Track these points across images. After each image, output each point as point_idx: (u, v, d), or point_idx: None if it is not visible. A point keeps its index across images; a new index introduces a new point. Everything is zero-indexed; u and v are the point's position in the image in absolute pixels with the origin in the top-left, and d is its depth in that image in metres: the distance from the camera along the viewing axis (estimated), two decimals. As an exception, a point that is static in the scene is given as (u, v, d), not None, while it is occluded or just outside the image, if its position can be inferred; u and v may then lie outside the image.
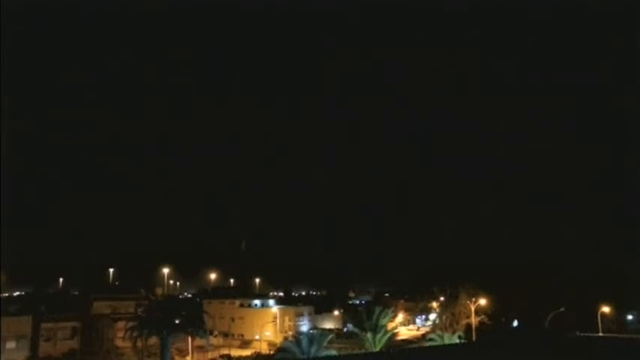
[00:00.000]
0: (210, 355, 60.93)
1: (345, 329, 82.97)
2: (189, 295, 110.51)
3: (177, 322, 42.70)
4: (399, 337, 67.55)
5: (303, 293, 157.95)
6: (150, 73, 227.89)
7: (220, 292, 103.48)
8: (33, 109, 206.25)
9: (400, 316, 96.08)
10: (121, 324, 54.58)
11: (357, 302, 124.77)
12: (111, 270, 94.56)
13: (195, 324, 43.57)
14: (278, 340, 71.25)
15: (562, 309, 65.87)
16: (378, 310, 47.12)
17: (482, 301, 67.15)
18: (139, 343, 43.71)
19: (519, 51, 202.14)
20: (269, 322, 77.18)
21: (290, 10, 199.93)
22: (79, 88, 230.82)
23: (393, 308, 59.09)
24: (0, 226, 75.56)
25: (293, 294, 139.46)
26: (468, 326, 66.41)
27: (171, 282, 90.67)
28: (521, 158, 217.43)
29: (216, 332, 74.81)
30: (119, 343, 57.07)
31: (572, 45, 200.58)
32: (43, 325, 57.66)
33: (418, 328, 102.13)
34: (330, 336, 43.96)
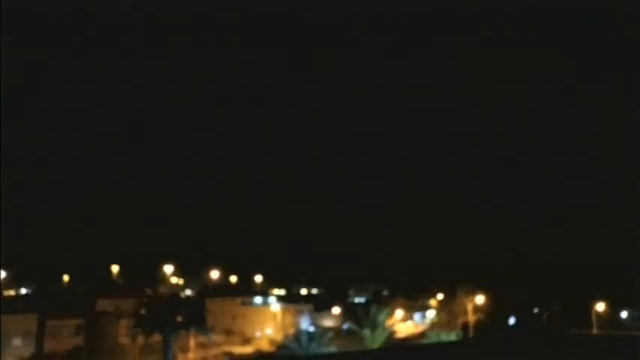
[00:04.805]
0: (211, 352, 61.81)
1: (344, 327, 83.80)
2: (191, 293, 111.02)
3: (179, 319, 43.62)
4: (398, 335, 68.34)
5: (304, 291, 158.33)
6: (150, 72, 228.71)
7: (222, 290, 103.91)
8: (33, 108, 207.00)
9: (398, 314, 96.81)
10: (124, 321, 55.56)
11: (357, 300, 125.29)
12: (115, 267, 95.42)
13: (198, 322, 44.50)
14: (279, 337, 72.05)
15: (558, 307, 66.80)
16: (376, 308, 48.10)
17: (480, 299, 67.98)
18: (142, 341, 44.59)
19: (520, 50, 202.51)
20: (270, 320, 77.96)
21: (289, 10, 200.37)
22: (79, 87, 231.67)
23: (391, 306, 59.89)
24: (0, 225, 75.79)
25: (293, 292, 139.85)
26: (466, 324, 67.27)
27: (174, 280, 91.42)
28: (520, 157, 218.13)
29: (217, 330, 75.58)
30: (123, 340, 58.04)
31: (573, 45, 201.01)
32: (48, 323, 58.47)
33: (416, 325, 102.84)
34: (330, 334, 44.93)
